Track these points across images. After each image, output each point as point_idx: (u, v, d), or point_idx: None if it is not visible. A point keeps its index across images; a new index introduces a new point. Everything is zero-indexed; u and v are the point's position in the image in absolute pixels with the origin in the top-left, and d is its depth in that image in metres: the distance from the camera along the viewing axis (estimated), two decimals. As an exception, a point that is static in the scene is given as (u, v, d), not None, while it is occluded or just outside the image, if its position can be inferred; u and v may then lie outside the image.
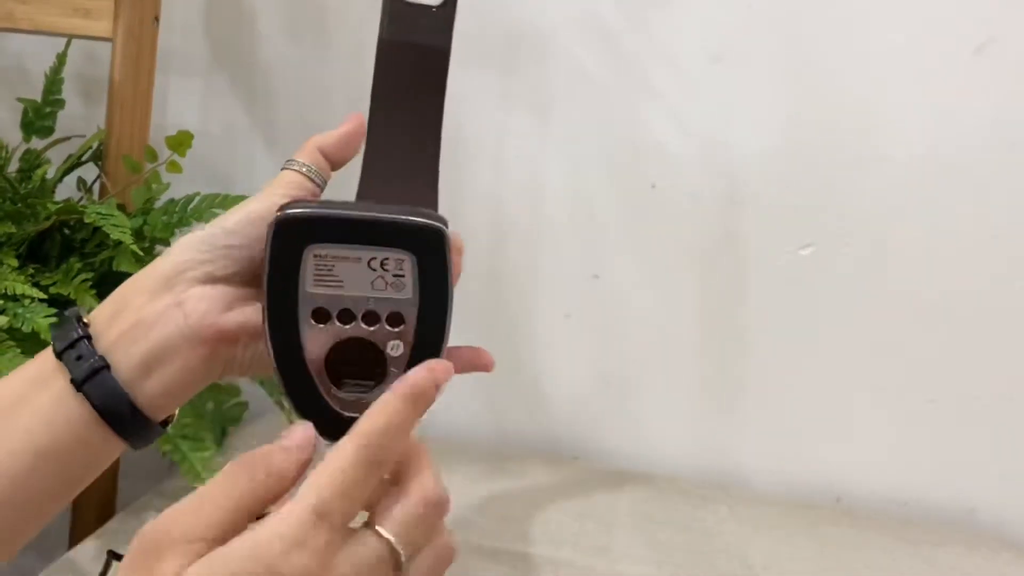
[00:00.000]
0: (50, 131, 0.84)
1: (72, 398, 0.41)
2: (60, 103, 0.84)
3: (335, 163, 0.47)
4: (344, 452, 0.35)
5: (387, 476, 0.37)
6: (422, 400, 0.38)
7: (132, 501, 0.79)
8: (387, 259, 0.41)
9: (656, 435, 1.03)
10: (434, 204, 0.47)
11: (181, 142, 0.81)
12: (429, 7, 0.49)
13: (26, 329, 0.68)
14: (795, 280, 0.97)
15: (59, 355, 0.42)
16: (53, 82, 0.83)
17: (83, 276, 0.74)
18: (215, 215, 0.79)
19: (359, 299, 0.41)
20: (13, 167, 0.82)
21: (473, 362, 0.47)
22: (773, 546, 0.86)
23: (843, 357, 0.98)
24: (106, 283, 0.78)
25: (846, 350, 0.98)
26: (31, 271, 0.73)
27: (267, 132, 1.04)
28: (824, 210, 0.96)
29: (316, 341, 0.42)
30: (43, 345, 0.68)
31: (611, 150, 0.98)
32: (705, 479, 1.01)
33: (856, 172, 0.95)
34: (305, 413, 0.42)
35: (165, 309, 0.42)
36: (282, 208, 0.42)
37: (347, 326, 0.42)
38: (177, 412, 0.46)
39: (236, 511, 0.34)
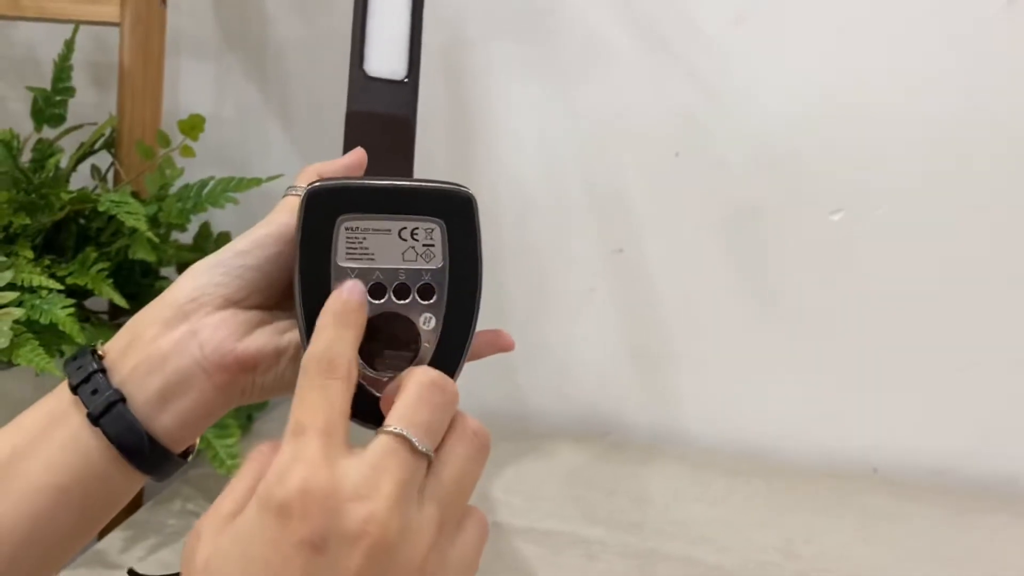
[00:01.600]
0: (61, 119, 0.82)
1: (89, 433, 0.41)
2: (70, 91, 0.83)
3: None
4: (299, 380, 0.36)
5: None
6: (350, 313, 0.39)
7: (159, 491, 0.79)
8: (417, 228, 0.41)
9: (687, 409, 1.01)
10: None
11: (193, 126, 0.80)
12: (395, 81, 0.52)
13: (44, 321, 0.67)
14: (825, 246, 0.94)
15: (74, 389, 0.42)
16: (62, 69, 0.82)
17: (100, 266, 0.73)
18: (230, 199, 0.78)
19: (390, 272, 0.41)
20: (26, 158, 0.81)
21: (493, 343, 0.46)
22: (811, 519, 0.84)
23: (876, 324, 0.95)
24: (123, 272, 0.77)
25: (879, 317, 0.95)
26: (47, 262, 0.73)
27: (281, 113, 1.02)
28: (854, 174, 0.93)
29: None
30: (62, 337, 0.68)
31: (632, 119, 0.95)
32: (738, 452, 0.99)
33: (887, 133, 0.92)
34: None
35: (180, 339, 0.42)
36: (310, 185, 0.42)
37: (379, 301, 0.41)
38: (198, 441, 0.45)
39: (254, 485, 0.34)
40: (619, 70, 0.94)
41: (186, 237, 0.84)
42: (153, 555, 0.70)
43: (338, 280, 0.41)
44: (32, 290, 0.68)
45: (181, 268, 0.82)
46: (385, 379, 0.41)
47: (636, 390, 1.01)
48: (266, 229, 0.44)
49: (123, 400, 0.41)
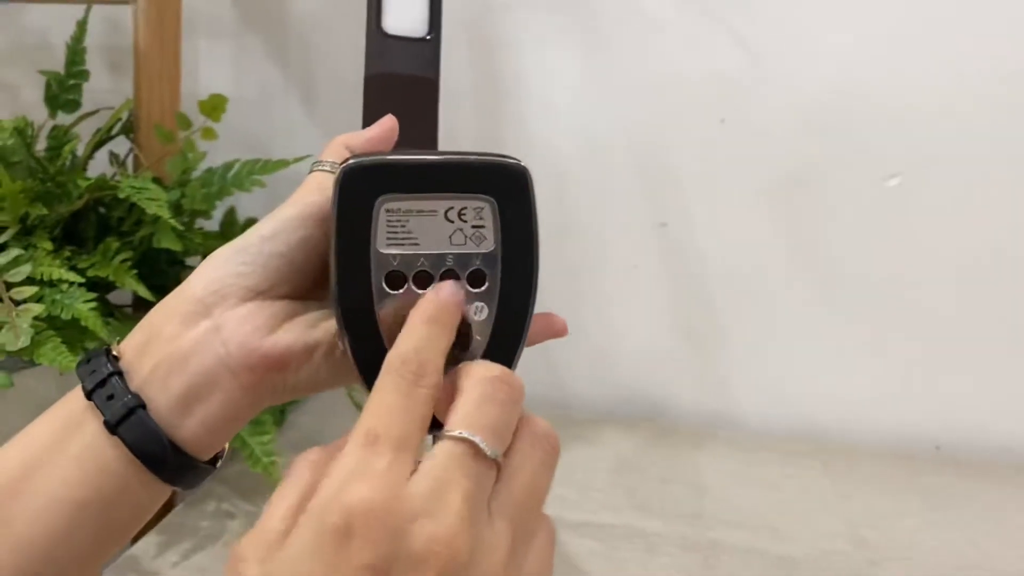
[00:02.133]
0: (76, 105, 0.79)
1: (107, 442, 0.37)
2: (84, 74, 0.79)
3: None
4: (380, 381, 0.33)
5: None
6: (445, 316, 0.35)
7: (191, 492, 0.75)
8: (465, 208, 0.37)
9: (737, 389, 0.96)
10: None
11: (215, 106, 0.76)
12: (414, 39, 0.48)
13: (66, 316, 0.64)
14: (882, 214, 0.89)
15: (89, 395, 0.38)
16: (75, 52, 0.78)
17: (122, 256, 0.69)
18: (257, 183, 0.74)
19: (437, 258, 0.37)
20: (41, 146, 0.77)
21: (545, 329, 0.42)
22: (873, 501, 0.80)
23: (937, 296, 0.90)
24: (147, 262, 0.73)
25: (940, 288, 0.90)
26: (67, 254, 0.69)
27: (304, 92, 0.98)
28: (912, 136, 0.87)
29: (392, 311, 0.37)
30: (85, 333, 0.64)
31: (672, 86, 0.90)
32: (792, 434, 0.94)
33: (945, 92, 0.86)
34: None
35: (202, 336, 0.38)
36: (345, 161, 0.37)
37: (424, 290, 0.37)
38: (227, 447, 0.42)
39: (304, 499, 0.31)
40: (659, 35, 0.89)
41: (212, 224, 0.80)
42: (188, 560, 0.67)
43: (379, 269, 0.37)
44: (52, 284, 0.65)
45: (207, 256, 0.78)
46: None
47: (683, 372, 0.97)
48: (292, 210, 0.39)
49: (142, 405, 0.37)
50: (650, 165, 0.92)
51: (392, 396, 0.32)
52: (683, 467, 0.85)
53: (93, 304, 0.64)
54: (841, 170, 0.89)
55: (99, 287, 0.69)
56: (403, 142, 0.44)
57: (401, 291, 0.37)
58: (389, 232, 0.37)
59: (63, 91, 0.77)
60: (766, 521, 0.75)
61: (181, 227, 0.68)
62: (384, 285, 0.37)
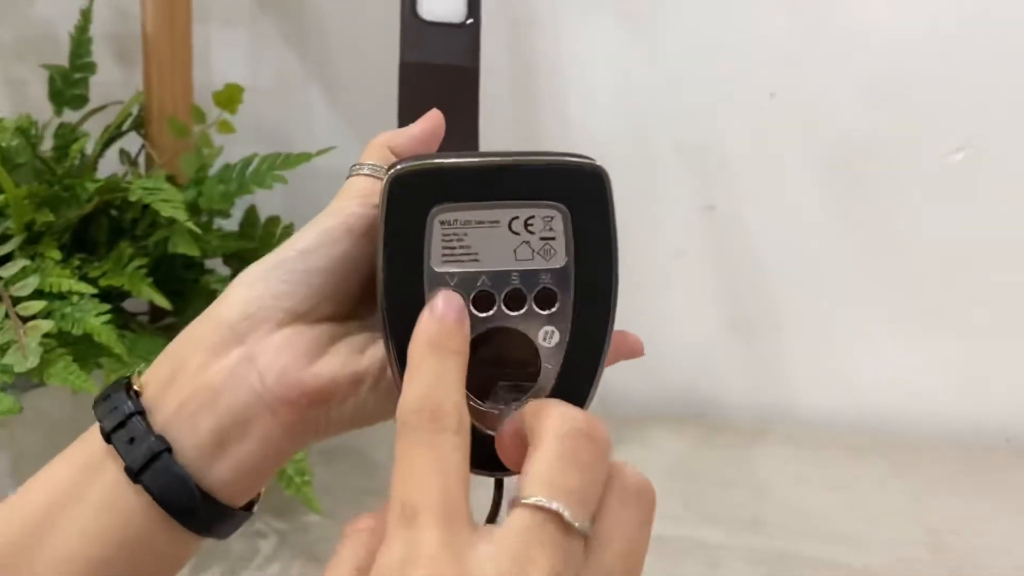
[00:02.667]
0: (83, 100, 0.74)
1: (129, 491, 0.33)
2: (90, 67, 0.74)
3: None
4: (398, 441, 0.28)
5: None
6: (448, 338, 0.30)
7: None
8: (532, 218, 0.33)
9: (793, 382, 0.90)
10: None
11: (231, 97, 0.70)
12: (452, 24, 0.45)
13: (77, 332, 0.59)
14: (946, 191, 0.83)
15: (108, 436, 0.33)
16: (80, 43, 0.73)
17: (136, 263, 0.64)
18: (278, 178, 0.69)
19: (500, 275, 0.33)
20: (47, 145, 0.72)
21: (617, 350, 0.36)
22: (953, 503, 0.74)
23: (1007, 278, 0.84)
24: (163, 268, 0.68)
25: (1010, 270, 0.84)
26: (77, 262, 0.64)
27: (324, 80, 0.92)
28: (977, 107, 0.81)
29: None
30: (99, 349, 0.59)
31: (718, 58, 0.84)
32: (854, 428, 0.88)
33: (1013, 60, 0.79)
34: None
35: (234, 368, 0.34)
36: (392, 166, 0.33)
37: (486, 314, 0.32)
38: (263, 491, 0.37)
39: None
40: (704, 6, 0.83)
41: (231, 224, 0.75)
42: (219, 587, 0.62)
43: (433, 289, 0.32)
44: (62, 296, 0.60)
45: (228, 259, 0.73)
46: (497, 411, 0.33)
47: (734, 365, 0.91)
48: (332, 220, 0.35)
49: (168, 449, 0.33)
50: (695, 144, 0.86)
51: (416, 455, 0.27)
52: (741, 469, 0.79)
53: (107, 317, 0.60)
54: (902, 145, 0.83)
55: (113, 296, 0.64)
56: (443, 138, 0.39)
57: None
58: (445, 247, 0.32)
59: (68, 86, 0.72)
60: (837, 528, 0.69)
61: (198, 230, 0.62)
62: None
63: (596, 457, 0.28)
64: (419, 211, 0.32)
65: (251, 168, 0.68)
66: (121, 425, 0.33)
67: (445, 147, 0.38)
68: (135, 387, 0.35)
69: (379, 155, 0.36)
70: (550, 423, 0.28)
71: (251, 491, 0.35)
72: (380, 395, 0.35)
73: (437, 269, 0.32)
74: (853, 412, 0.89)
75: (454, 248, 0.32)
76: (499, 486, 0.34)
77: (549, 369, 0.33)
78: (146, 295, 0.63)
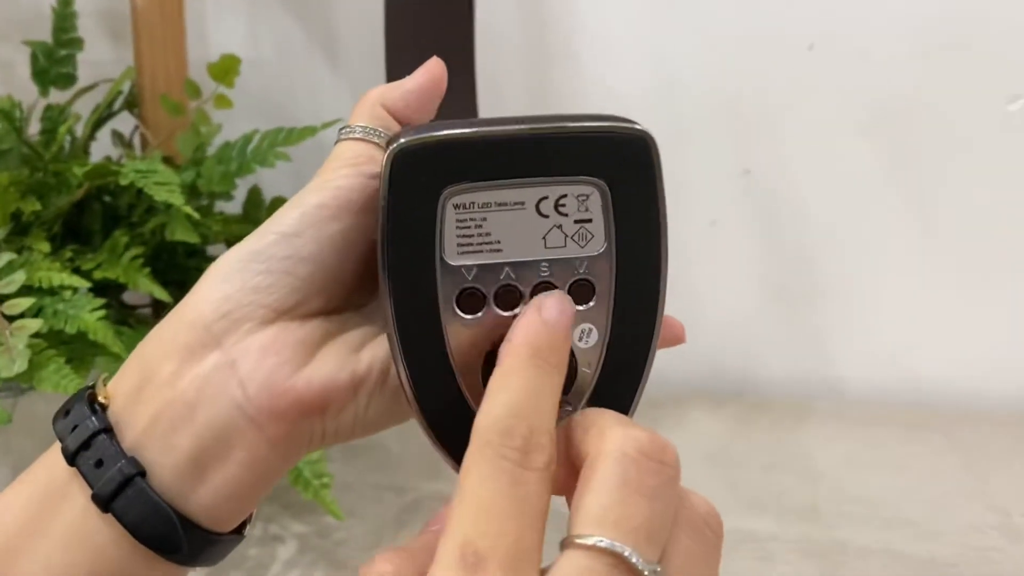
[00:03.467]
0: (71, 79, 0.68)
1: (99, 521, 0.29)
2: (77, 43, 0.68)
3: (406, 122, 0.32)
4: (472, 465, 0.23)
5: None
6: (555, 349, 0.25)
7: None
8: (565, 196, 0.28)
9: (838, 356, 0.85)
10: None
11: (227, 69, 0.65)
12: None
13: (70, 330, 0.54)
14: (1004, 143, 0.77)
15: (72, 459, 0.29)
16: (64, 17, 0.68)
17: (132, 252, 0.60)
18: (281, 156, 0.63)
19: (527, 267, 0.28)
20: (35, 129, 0.67)
21: (661, 336, 0.31)
22: (1018, 480, 0.69)
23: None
24: (162, 256, 0.64)
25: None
26: (69, 254, 0.59)
27: (328, 50, 0.87)
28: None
29: (468, 341, 0.28)
30: (93, 349, 0.55)
31: (750, 7, 0.78)
32: (905, 403, 0.83)
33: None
34: (457, 452, 0.28)
35: (211, 376, 0.29)
36: (394, 139, 0.27)
37: (511, 312, 0.28)
38: (255, 512, 0.32)
39: None
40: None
41: (233, 207, 0.70)
42: (235, 598, 0.58)
43: (449, 286, 0.27)
44: (52, 292, 0.55)
45: (231, 245, 0.68)
46: None
47: (773, 339, 0.86)
48: (319, 195, 0.30)
49: (142, 472, 0.29)
50: (728, 103, 0.80)
51: (494, 490, 0.22)
52: (787, 450, 0.74)
53: (101, 312, 0.55)
54: (952, 96, 0.76)
55: (109, 289, 0.59)
56: (433, 40, 0.36)
57: (479, 314, 0.28)
58: (461, 236, 0.27)
59: (53, 64, 0.67)
60: (899, 513, 0.64)
61: (196, 214, 0.57)
62: (456, 308, 0.27)
63: (665, 484, 0.23)
64: (428, 194, 0.27)
65: (252, 145, 0.63)
66: (86, 445, 0.29)
67: (436, 50, 0.33)
68: (100, 398, 0.30)
69: (371, 114, 0.31)
70: (609, 443, 0.23)
71: (240, 514, 0.31)
72: (385, 399, 0.30)
73: (451, 262, 0.27)
74: (901, 386, 0.84)
75: (471, 236, 0.28)
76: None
77: (586, 373, 0.29)
78: (144, 287, 0.58)
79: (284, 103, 0.85)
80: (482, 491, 0.22)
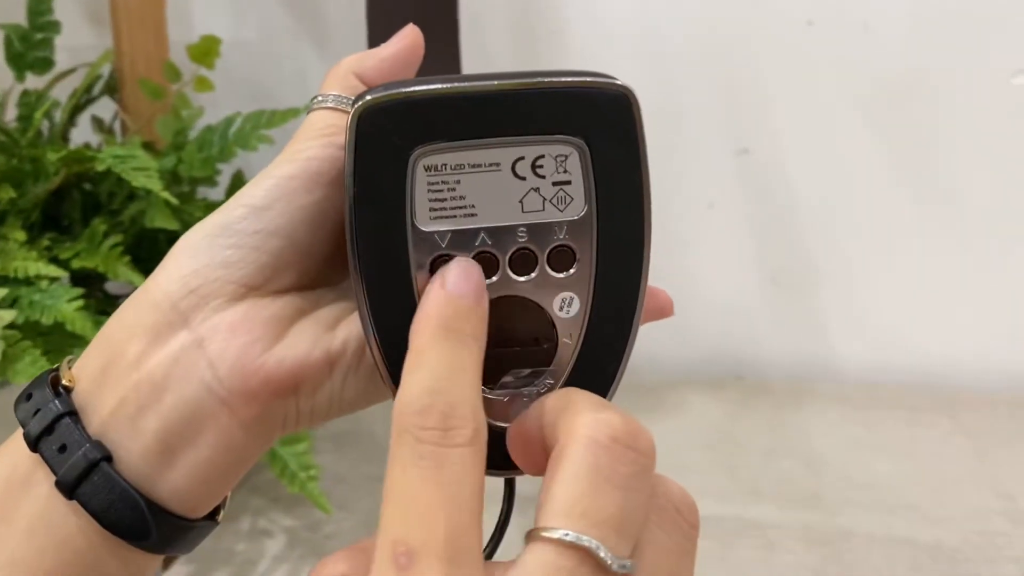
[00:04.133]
0: (48, 64, 0.66)
1: (64, 508, 0.27)
2: (53, 26, 0.66)
3: None
4: (393, 453, 0.21)
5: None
6: (465, 318, 0.24)
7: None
8: (542, 157, 0.26)
9: (838, 338, 0.83)
10: None
11: (207, 51, 0.63)
12: None
13: (47, 320, 0.52)
14: (1008, 118, 0.75)
15: (35, 444, 0.27)
16: (39, 0, 0.65)
17: (112, 240, 0.58)
18: (264, 139, 0.62)
19: (504, 232, 0.26)
20: (11, 116, 0.65)
21: (645, 308, 0.29)
22: (1021, 463, 0.67)
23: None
24: (143, 244, 0.62)
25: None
26: (46, 243, 0.58)
27: (315, 31, 0.85)
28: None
29: None
30: (71, 340, 0.53)
31: (747, -15, 0.76)
32: (906, 385, 0.81)
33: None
34: None
35: (179, 356, 0.27)
36: (360, 96, 0.26)
37: (488, 280, 0.26)
38: (229, 496, 0.30)
39: None
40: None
41: (217, 193, 0.69)
42: (223, 594, 0.56)
43: (422, 254, 0.26)
44: (28, 282, 0.53)
45: (215, 232, 0.66)
46: (506, 398, 0.27)
47: (772, 322, 0.84)
48: (289, 167, 0.29)
49: (108, 457, 0.27)
50: (724, 81, 0.78)
51: (416, 476, 0.21)
52: (787, 434, 0.73)
53: (79, 303, 0.53)
54: (956, 70, 0.75)
55: (87, 280, 0.57)
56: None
57: None
58: (433, 199, 0.26)
59: (29, 47, 0.65)
60: (902, 498, 0.63)
61: (176, 200, 0.56)
62: (430, 276, 0.26)
63: (638, 473, 0.21)
64: (397, 154, 0.25)
65: (234, 129, 0.61)
66: (49, 430, 0.27)
67: (423, 72, 0.31)
68: (64, 381, 0.28)
69: (344, 83, 0.30)
70: (579, 427, 0.22)
71: (213, 499, 0.29)
72: (360, 378, 0.29)
73: (424, 228, 0.26)
74: (901, 367, 0.82)
75: (444, 200, 0.26)
76: (510, 488, 0.28)
77: (567, 344, 0.27)
78: (124, 276, 0.57)
79: (270, 86, 0.83)
80: (405, 481, 0.21)
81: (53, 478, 0.27)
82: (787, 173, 0.79)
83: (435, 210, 0.26)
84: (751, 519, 0.61)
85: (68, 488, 0.27)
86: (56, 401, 0.28)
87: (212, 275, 0.28)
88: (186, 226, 0.60)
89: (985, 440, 0.70)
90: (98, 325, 0.54)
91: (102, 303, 0.61)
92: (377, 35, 0.33)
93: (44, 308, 0.53)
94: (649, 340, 0.91)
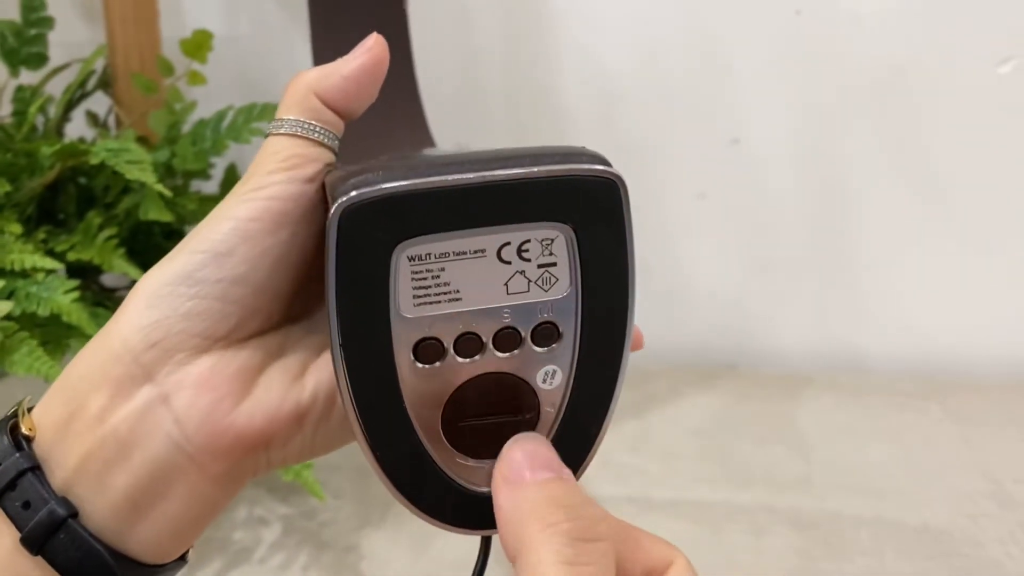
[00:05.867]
0: (42, 59, 0.67)
1: (30, 564, 0.27)
2: (47, 22, 0.67)
3: (346, 114, 0.29)
4: None
5: None
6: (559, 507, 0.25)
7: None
8: (528, 242, 0.26)
9: (832, 327, 0.84)
10: (421, 120, 0.37)
11: (199, 45, 0.64)
12: None
13: (43, 312, 0.53)
14: (994, 106, 0.75)
15: None
16: (32, -6, 0.66)
17: (107, 233, 0.58)
18: (256, 132, 0.62)
19: (488, 314, 0.27)
20: (5, 111, 0.65)
21: None
22: (1009, 447, 0.68)
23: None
24: (139, 237, 0.62)
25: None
26: (42, 236, 0.58)
27: (306, 26, 0.85)
28: (1026, 11, 0.74)
29: (426, 391, 0.27)
30: (67, 331, 0.54)
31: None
32: (899, 372, 0.82)
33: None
34: (419, 500, 0.28)
35: (144, 412, 0.26)
36: (340, 191, 0.25)
37: (471, 359, 0.27)
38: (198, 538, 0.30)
39: None
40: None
41: (211, 186, 0.69)
42: (220, 581, 0.57)
43: (404, 340, 0.26)
44: (24, 275, 0.54)
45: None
46: (488, 466, 0.28)
47: (765, 311, 0.85)
48: (250, 207, 0.27)
49: (74, 514, 0.26)
50: (715, 72, 0.78)
51: None
52: (779, 422, 0.73)
53: (75, 295, 0.54)
54: (942, 58, 0.75)
55: (83, 272, 0.58)
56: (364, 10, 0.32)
57: (439, 364, 0.26)
58: (417, 287, 0.26)
59: (23, 43, 0.65)
60: (892, 483, 0.64)
61: (170, 193, 0.56)
62: (414, 359, 0.26)
63: (599, 561, 0.23)
64: (381, 249, 0.25)
65: (225, 122, 0.62)
66: (12, 485, 0.26)
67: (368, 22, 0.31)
68: (24, 430, 0.27)
69: (304, 106, 0.28)
70: (533, 527, 0.23)
71: (182, 546, 0.29)
72: (331, 427, 0.29)
73: (407, 315, 0.26)
74: (895, 355, 0.83)
75: (428, 287, 0.26)
76: (486, 545, 0.29)
77: (550, 413, 0.28)
78: (119, 268, 0.57)
79: (262, 79, 0.84)
80: None
81: (17, 533, 0.26)
82: (777, 162, 0.80)
83: (419, 297, 0.26)
84: (740, 504, 0.62)
85: (33, 545, 0.26)
86: (18, 455, 0.27)
87: (175, 327, 0.27)
88: (180, 219, 0.61)
89: (973, 425, 0.71)
90: (94, 317, 0.54)
91: (97, 295, 0.62)
92: (320, 22, 0.32)
93: (40, 300, 0.53)
94: (645, 330, 0.92)
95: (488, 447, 0.27)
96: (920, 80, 0.76)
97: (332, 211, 0.25)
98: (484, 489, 0.27)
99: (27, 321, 0.53)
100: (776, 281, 0.83)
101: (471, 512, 0.28)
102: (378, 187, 0.25)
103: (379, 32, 0.29)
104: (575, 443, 0.28)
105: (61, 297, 0.54)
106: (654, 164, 0.82)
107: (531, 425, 0.28)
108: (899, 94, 0.76)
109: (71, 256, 0.57)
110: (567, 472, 0.26)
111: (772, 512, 0.61)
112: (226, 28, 0.81)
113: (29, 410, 0.28)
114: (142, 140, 0.65)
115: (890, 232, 0.80)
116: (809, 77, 0.77)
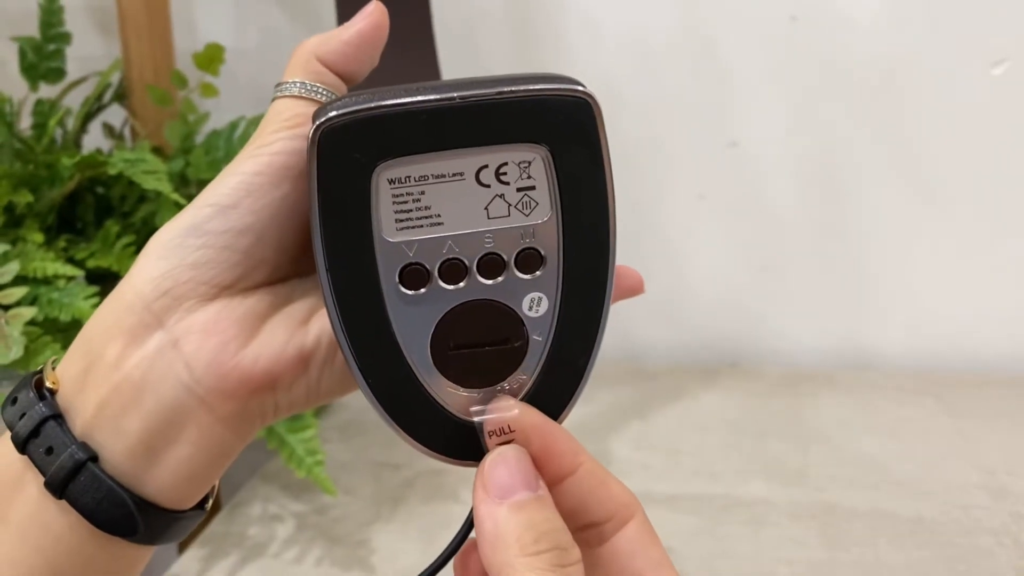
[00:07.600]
0: (60, 74, 0.69)
1: (54, 508, 0.28)
2: (65, 37, 0.69)
3: (347, 76, 0.31)
4: None
5: None
6: (545, 536, 0.26)
7: (233, 494, 0.67)
8: (505, 164, 0.27)
9: (830, 324, 0.86)
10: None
11: (212, 58, 0.66)
12: None
13: (65, 317, 0.55)
14: (988, 107, 0.77)
15: (22, 446, 0.28)
16: (50, 12, 0.68)
17: (124, 241, 0.61)
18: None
19: (470, 239, 0.27)
20: (26, 124, 0.68)
21: (616, 287, 0.31)
22: (1003, 441, 0.70)
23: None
24: (155, 244, 0.64)
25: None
26: (63, 244, 0.60)
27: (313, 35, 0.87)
28: (1019, 13, 0.75)
29: (413, 318, 0.27)
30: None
31: (732, -17, 0.78)
32: (897, 368, 0.84)
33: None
34: (410, 428, 0.28)
35: (155, 357, 0.28)
36: (320, 114, 0.26)
37: (456, 286, 0.27)
38: (217, 484, 0.32)
39: None
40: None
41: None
42: (236, 575, 0.59)
43: (389, 265, 0.27)
44: (47, 282, 0.56)
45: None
46: (479, 394, 0.28)
47: (764, 310, 0.87)
48: (256, 162, 0.29)
49: (94, 457, 0.28)
50: (712, 75, 0.80)
51: None
52: (780, 417, 0.75)
53: (95, 300, 0.56)
54: (936, 61, 0.77)
55: (102, 279, 0.60)
56: (389, 41, 0.32)
57: (424, 290, 0.27)
58: (398, 211, 0.26)
59: (42, 58, 0.68)
60: (888, 476, 0.65)
61: (185, 201, 0.58)
62: (400, 285, 0.27)
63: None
64: (360, 170, 0.26)
65: (238, 132, 0.64)
66: (35, 432, 0.28)
67: (389, 52, 0.31)
68: (48, 383, 0.29)
69: (307, 69, 0.30)
70: (513, 550, 0.25)
71: (199, 491, 0.30)
72: (335, 371, 0.30)
73: (390, 239, 0.27)
74: (893, 352, 0.84)
75: (409, 211, 0.26)
76: (470, 523, 0.30)
77: (537, 341, 0.28)
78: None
79: (270, 91, 0.86)
80: None
81: (42, 479, 0.28)
82: (776, 163, 0.82)
83: (401, 220, 0.26)
84: (739, 496, 0.64)
85: (57, 489, 0.28)
86: (41, 404, 0.28)
87: (183, 277, 0.28)
88: (195, 226, 0.63)
89: (969, 419, 0.73)
90: (113, 321, 0.57)
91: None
92: (347, 10, 0.33)
93: (62, 306, 0.56)
94: (648, 329, 0.94)
95: (478, 376, 0.28)
96: (915, 82, 0.77)
97: (311, 133, 0.26)
98: (476, 419, 0.28)
99: (49, 326, 0.55)
100: (775, 280, 0.85)
101: (464, 443, 0.28)
102: (355, 108, 0.26)
103: (399, 6, 0.30)
104: (565, 373, 0.28)
105: (81, 303, 0.56)
106: (654, 166, 0.83)
107: (520, 353, 0.28)
108: (894, 96, 0.78)
109: (90, 263, 0.60)
110: (543, 489, 0.27)
111: (771, 505, 0.63)
112: (237, 41, 0.83)
113: (54, 368, 0.29)
114: (157, 151, 0.67)
115: (886, 231, 0.81)
116: (805, 81, 0.79)
